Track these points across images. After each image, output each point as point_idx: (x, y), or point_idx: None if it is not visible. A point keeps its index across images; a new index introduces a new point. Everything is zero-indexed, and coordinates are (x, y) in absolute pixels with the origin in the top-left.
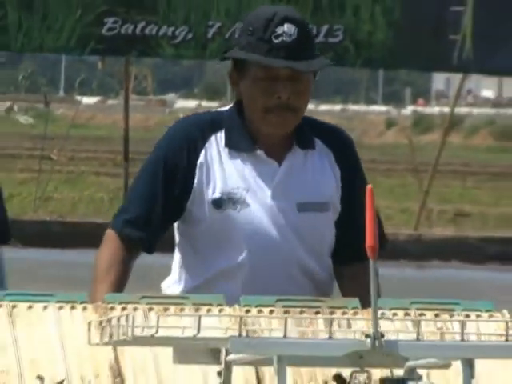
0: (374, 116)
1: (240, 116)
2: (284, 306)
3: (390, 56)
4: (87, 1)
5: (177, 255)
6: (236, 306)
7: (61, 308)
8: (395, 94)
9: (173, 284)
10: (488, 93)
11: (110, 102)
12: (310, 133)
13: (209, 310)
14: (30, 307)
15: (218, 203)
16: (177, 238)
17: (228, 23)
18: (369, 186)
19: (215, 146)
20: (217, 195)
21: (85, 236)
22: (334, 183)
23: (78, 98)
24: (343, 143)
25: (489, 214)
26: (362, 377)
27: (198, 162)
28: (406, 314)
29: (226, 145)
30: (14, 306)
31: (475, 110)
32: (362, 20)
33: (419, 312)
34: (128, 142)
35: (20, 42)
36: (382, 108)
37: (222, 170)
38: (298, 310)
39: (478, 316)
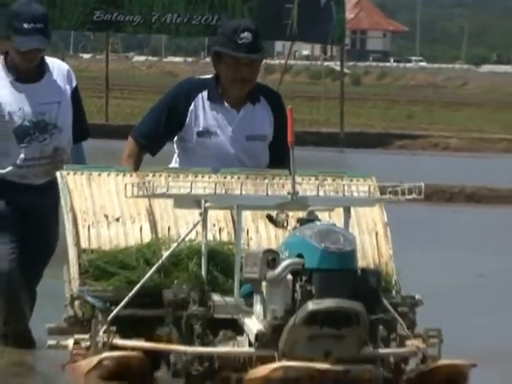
0: None
1: (217, 83)
2: (245, 174)
3: None
4: (86, 1)
5: (175, 156)
6: (218, 174)
7: (117, 175)
8: None
9: (173, 165)
10: (306, 52)
11: (98, 57)
12: (257, 93)
13: (203, 176)
14: (99, 174)
15: (200, 133)
16: (175, 148)
17: (164, 13)
18: (289, 107)
19: (201, 99)
20: (200, 129)
21: None
22: (269, 124)
23: (81, 54)
24: (276, 100)
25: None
26: (283, 216)
27: (190, 108)
28: (316, 179)
29: (208, 99)
30: (90, 174)
31: (299, 62)
32: (232, 12)
33: (323, 178)
34: (108, 79)
35: None
36: None
37: (204, 113)
38: (254, 176)
39: (357, 180)
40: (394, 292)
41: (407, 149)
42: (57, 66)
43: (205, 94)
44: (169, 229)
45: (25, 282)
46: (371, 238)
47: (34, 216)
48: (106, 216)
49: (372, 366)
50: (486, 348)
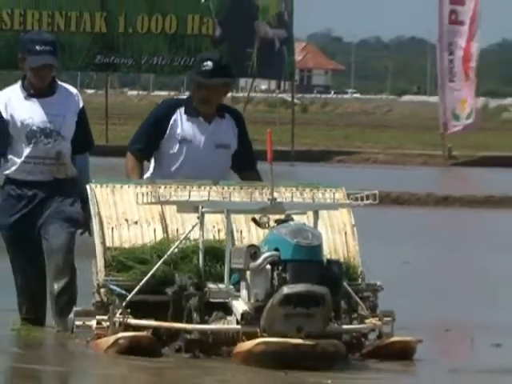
0: None
1: (191, 100)
2: (240, 185)
3: None
4: (89, 45)
5: (151, 165)
6: (217, 186)
7: (135, 187)
8: None
9: (149, 175)
10: (264, 86)
11: (99, 92)
12: (223, 110)
13: (199, 187)
14: (121, 187)
15: (179, 141)
16: (154, 157)
17: (151, 57)
18: (269, 130)
19: (179, 114)
20: (179, 137)
21: None
22: (234, 135)
23: (85, 90)
24: (239, 117)
25: None
26: (265, 219)
27: (171, 121)
28: (296, 189)
29: (185, 113)
30: (113, 186)
31: (258, 94)
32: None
33: (302, 188)
34: (107, 109)
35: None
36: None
37: (182, 125)
38: (239, 187)
39: (330, 190)
40: (360, 280)
41: (344, 162)
42: (67, 89)
43: (182, 109)
44: (177, 230)
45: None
46: (341, 236)
47: (46, 203)
48: (126, 220)
49: (336, 341)
50: (402, 322)
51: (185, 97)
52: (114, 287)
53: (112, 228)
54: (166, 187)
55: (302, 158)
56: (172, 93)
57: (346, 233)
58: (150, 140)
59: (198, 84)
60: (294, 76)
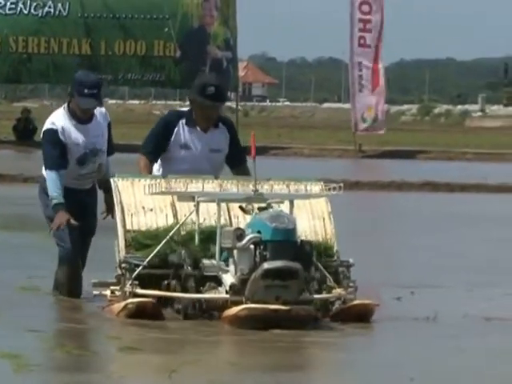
0: None
1: (191, 114)
2: (236, 180)
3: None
4: (77, 65)
5: (157, 165)
6: (215, 180)
7: (151, 180)
8: None
9: (156, 172)
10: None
11: None
12: (218, 121)
13: (203, 181)
14: (139, 180)
15: (182, 147)
16: (161, 156)
17: (126, 73)
18: (252, 133)
19: (181, 124)
20: (181, 143)
21: None
22: (225, 141)
23: None
24: (230, 125)
25: None
26: (250, 207)
27: (175, 130)
28: (283, 183)
29: (186, 124)
30: (132, 180)
31: None
32: (168, 72)
33: (288, 182)
34: None
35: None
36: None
37: (184, 134)
38: (230, 181)
39: (311, 184)
40: (335, 257)
41: (278, 156)
42: (98, 110)
43: (183, 121)
44: (185, 216)
45: (81, 251)
46: (320, 221)
47: (85, 208)
48: (143, 207)
49: (307, 306)
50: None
51: (185, 109)
52: (132, 260)
53: (131, 214)
54: (175, 181)
55: (245, 152)
56: (142, 101)
57: (323, 218)
58: (157, 145)
59: (203, 106)
60: (238, 88)
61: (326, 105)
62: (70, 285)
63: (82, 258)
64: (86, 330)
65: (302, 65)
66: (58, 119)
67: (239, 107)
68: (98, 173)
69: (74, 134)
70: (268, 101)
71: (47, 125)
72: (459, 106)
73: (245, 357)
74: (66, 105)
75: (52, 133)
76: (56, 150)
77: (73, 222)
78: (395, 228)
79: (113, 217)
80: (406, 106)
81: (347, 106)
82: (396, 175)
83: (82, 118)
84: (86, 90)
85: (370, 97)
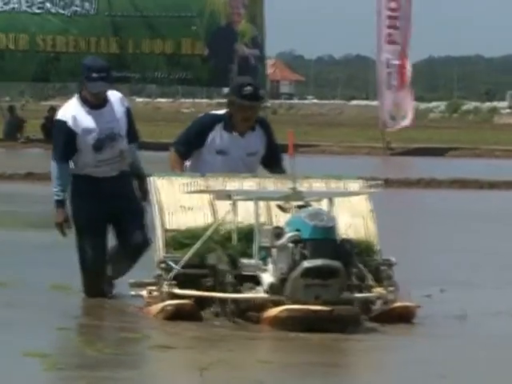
0: None
1: (229, 117)
2: (264, 177)
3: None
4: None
5: (189, 162)
6: (256, 177)
7: (189, 178)
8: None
9: (189, 171)
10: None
11: None
12: (255, 123)
13: (241, 180)
14: (176, 179)
15: (217, 152)
16: (192, 156)
17: (153, 71)
18: (290, 131)
19: (218, 128)
20: (217, 148)
21: None
22: (262, 143)
23: None
24: (267, 126)
25: None
26: (289, 205)
27: (210, 133)
28: (319, 180)
29: (223, 128)
30: (170, 178)
31: None
32: (196, 70)
33: (325, 179)
34: None
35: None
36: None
37: (221, 138)
38: (268, 179)
39: (350, 181)
40: (378, 256)
41: (306, 153)
42: (113, 95)
43: (221, 125)
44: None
45: (139, 235)
46: (361, 220)
47: (116, 195)
48: (182, 206)
49: (350, 306)
50: None
51: (222, 112)
52: (171, 262)
53: (170, 213)
54: (214, 179)
55: (281, 151)
56: (170, 99)
57: (364, 217)
58: (190, 146)
59: (242, 106)
60: (266, 86)
61: (354, 102)
62: (89, 293)
63: (145, 237)
64: (116, 329)
65: (330, 62)
66: (69, 108)
67: (268, 104)
68: (122, 159)
69: (87, 121)
70: (296, 99)
71: (57, 115)
72: (487, 103)
73: (276, 355)
74: (78, 94)
75: (60, 124)
76: (61, 141)
77: (68, 224)
78: (424, 225)
79: (146, 202)
80: (434, 103)
81: (375, 103)
82: (425, 172)
83: (94, 103)
84: (94, 74)
85: (398, 94)
